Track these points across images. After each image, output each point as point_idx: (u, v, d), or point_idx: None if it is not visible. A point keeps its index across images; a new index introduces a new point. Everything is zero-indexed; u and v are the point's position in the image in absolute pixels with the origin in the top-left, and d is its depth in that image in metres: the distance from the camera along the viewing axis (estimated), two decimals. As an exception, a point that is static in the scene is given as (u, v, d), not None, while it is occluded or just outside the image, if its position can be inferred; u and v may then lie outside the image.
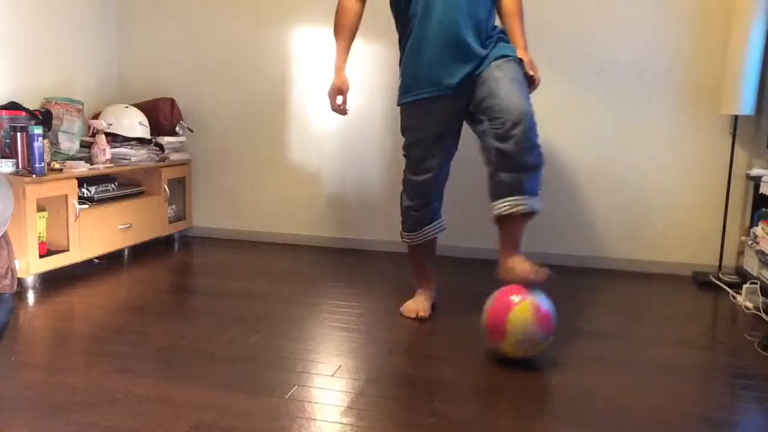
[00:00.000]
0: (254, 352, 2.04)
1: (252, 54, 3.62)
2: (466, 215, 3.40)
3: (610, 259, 3.26)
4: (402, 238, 2.49)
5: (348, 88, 2.34)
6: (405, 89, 2.28)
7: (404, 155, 2.35)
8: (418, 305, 2.46)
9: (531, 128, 2.01)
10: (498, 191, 2.08)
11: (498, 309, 1.95)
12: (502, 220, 2.10)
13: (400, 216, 2.46)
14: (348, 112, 2.40)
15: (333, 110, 2.37)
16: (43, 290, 2.67)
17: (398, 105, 2.32)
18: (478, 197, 3.33)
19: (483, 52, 2.17)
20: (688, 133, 3.11)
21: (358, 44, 3.40)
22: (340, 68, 2.33)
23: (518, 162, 2.01)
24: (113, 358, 1.97)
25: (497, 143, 2.03)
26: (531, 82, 2.18)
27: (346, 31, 2.31)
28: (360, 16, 2.33)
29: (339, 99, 2.35)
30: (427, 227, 2.43)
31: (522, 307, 1.90)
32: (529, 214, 2.07)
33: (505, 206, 2.06)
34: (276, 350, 2.07)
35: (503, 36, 2.25)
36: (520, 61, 2.17)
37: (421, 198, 2.36)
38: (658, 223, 3.20)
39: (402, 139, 2.34)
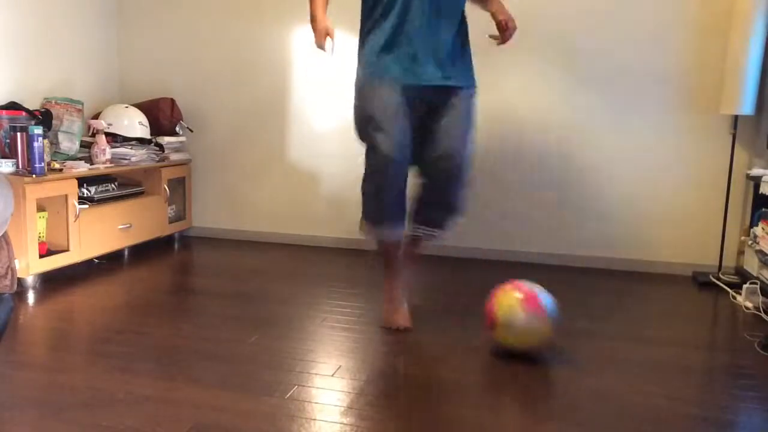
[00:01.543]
0: (254, 352, 2.04)
1: (252, 54, 3.62)
2: (465, 215, 3.40)
3: (611, 259, 3.26)
4: (360, 228, 2.30)
5: (333, 32, 2.16)
6: (369, 67, 2.14)
7: (360, 138, 2.19)
8: (400, 315, 2.30)
9: (466, 168, 2.22)
10: (419, 219, 2.32)
11: (490, 298, 2.10)
12: (411, 239, 2.39)
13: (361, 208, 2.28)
14: (333, 53, 2.34)
15: (318, 47, 2.16)
16: (43, 290, 2.67)
17: (356, 84, 2.18)
18: (476, 197, 3.33)
19: (455, 56, 2.17)
20: (688, 132, 3.11)
21: (356, 41, 3.39)
22: (321, 15, 2.14)
23: (447, 205, 2.26)
24: (113, 358, 1.97)
25: (434, 183, 2.22)
26: (503, 34, 2.23)
27: None
28: None
29: (329, 41, 2.21)
30: (395, 220, 2.20)
31: (508, 291, 2.06)
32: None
33: (420, 232, 2.34)
34: (276, 350, 2.07)
35: (467, 33, 2.25)
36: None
37: (382, 176, 2.12)
38: (658, 223, 3.20)
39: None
